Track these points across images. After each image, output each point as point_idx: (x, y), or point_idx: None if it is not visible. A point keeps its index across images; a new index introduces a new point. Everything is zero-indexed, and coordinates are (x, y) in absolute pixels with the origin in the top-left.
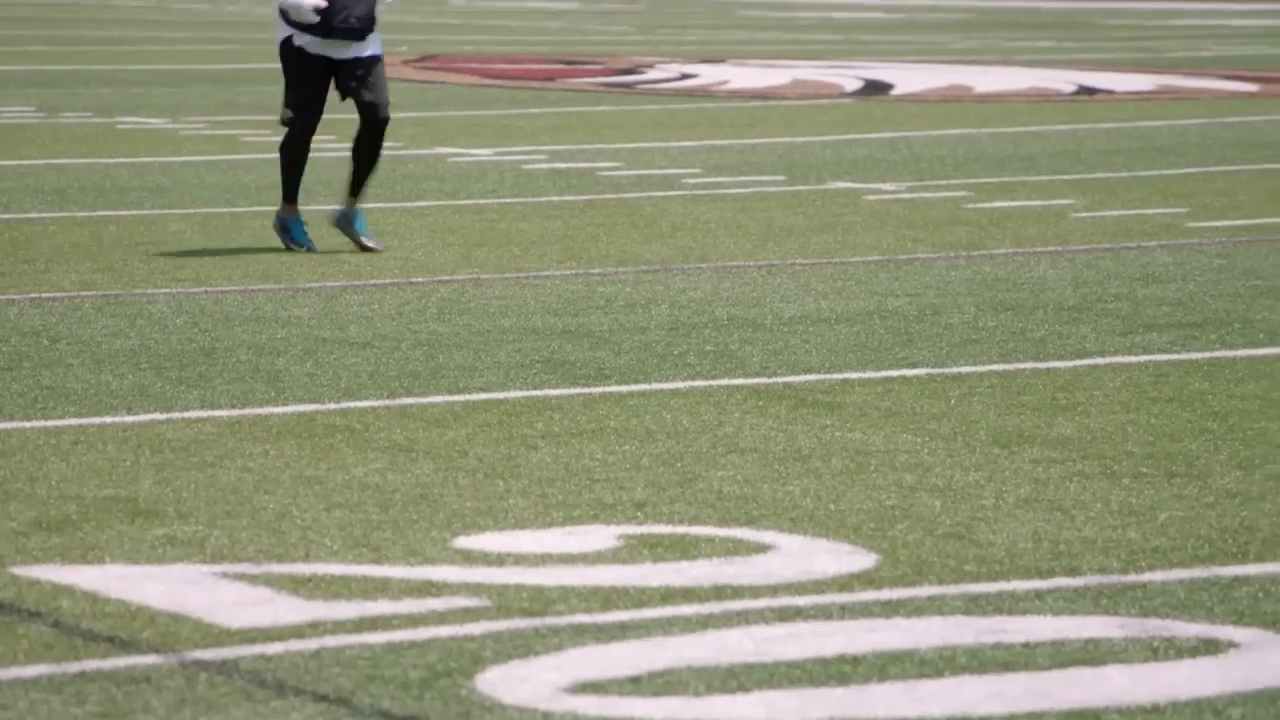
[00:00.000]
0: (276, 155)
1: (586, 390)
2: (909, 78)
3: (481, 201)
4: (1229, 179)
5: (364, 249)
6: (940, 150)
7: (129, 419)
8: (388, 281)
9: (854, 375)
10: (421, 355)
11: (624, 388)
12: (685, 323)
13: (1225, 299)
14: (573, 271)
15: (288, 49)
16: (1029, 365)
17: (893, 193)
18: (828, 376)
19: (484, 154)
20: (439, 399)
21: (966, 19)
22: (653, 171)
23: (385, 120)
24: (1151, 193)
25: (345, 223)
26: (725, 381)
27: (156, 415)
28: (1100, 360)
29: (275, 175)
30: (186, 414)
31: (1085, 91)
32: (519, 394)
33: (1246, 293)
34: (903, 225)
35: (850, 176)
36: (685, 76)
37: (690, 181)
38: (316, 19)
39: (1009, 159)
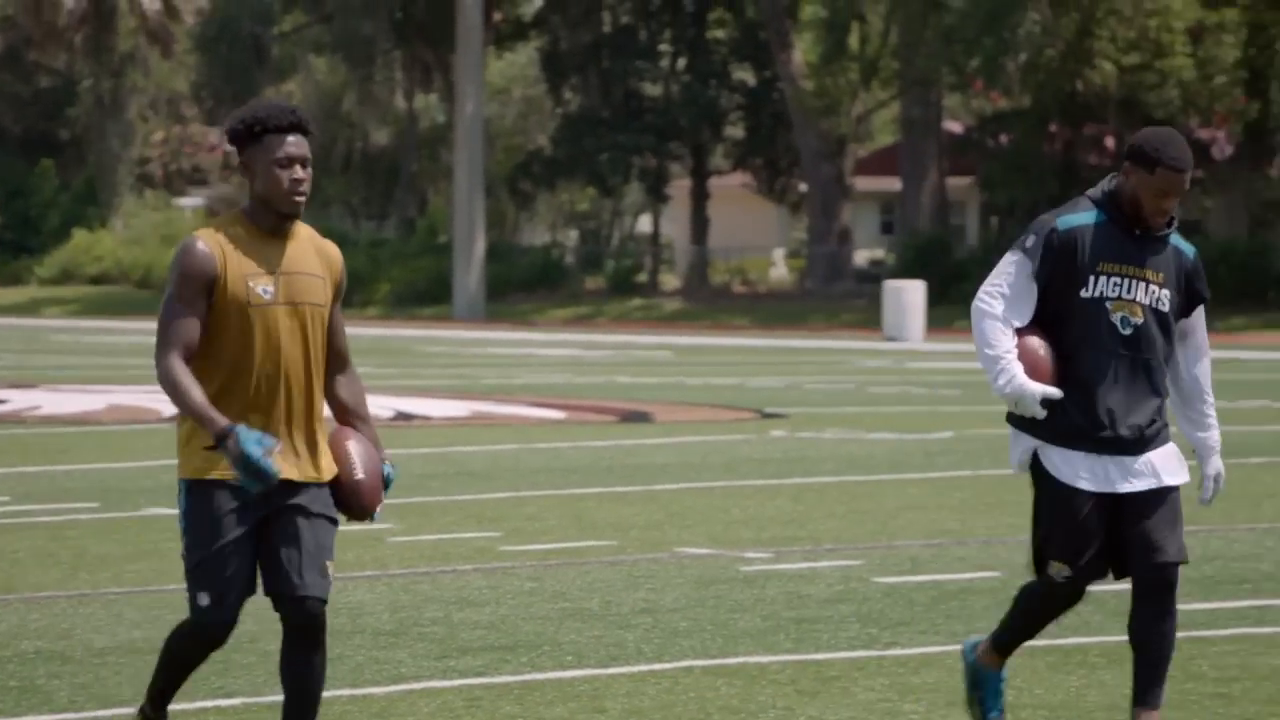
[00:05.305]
0: None
1: None
2: None
3: None
4: (539, 503)
5: None
6: None
7: None
8: None
9: (173, 706)
10: None
11: None
12: None
13: (536, 621)
14: None
15: (1035, 468)
16: (346, 692)
17: None
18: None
19: None
20: None
21: None
22: None
23: (1171, 580)
24: (466, 517)
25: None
26: (30, 719)
27: None
28: (416, 685)
29: None
30: None
31: (403, 417)
32: None
33: (556, 615)
34: None
35: (168, 503)
36: None
37: None
38: (1043, 413)
39: None
